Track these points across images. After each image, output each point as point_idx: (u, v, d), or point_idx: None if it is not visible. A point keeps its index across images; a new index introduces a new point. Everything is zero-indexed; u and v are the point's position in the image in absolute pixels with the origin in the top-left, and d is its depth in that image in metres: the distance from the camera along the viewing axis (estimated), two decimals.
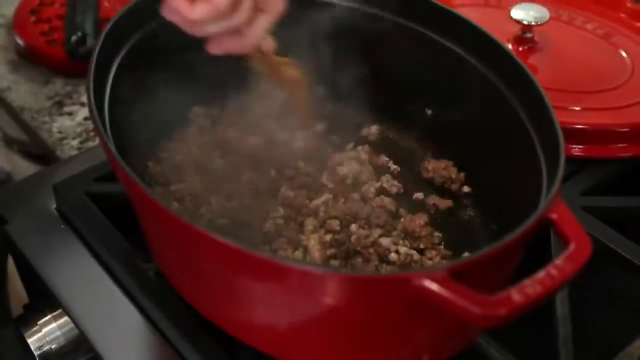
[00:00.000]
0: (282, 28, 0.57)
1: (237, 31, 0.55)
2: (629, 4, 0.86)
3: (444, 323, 0.45)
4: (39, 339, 0.57)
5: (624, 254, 0.61)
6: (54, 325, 0.57)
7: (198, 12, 0.51)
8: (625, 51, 0.80)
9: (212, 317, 0.50)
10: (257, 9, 0.55)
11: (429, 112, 0.68)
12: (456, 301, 0.39)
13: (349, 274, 0.45)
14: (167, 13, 0.53)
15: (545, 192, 0.49)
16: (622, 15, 0.86)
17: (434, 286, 0.39)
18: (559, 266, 0.41)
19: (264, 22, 0.55)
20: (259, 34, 0.56)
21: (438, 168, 0.66)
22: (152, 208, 0.46)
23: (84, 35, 0.88)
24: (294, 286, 0.43)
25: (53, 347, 0.57)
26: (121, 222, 0.60)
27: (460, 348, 0.50)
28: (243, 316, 0.49)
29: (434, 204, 0.64)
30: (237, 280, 0.45)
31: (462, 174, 0.66)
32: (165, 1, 0.52)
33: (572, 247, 0.43)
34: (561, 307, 0.56)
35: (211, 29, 0.53)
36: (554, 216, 0.45)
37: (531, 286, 0.40)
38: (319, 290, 0.43)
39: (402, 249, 0.58)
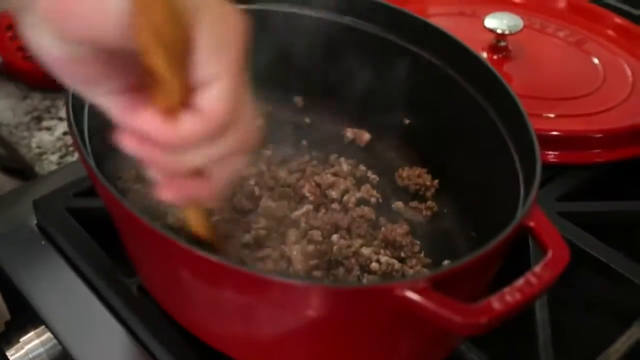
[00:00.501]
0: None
1: (199, 171, 0.41)
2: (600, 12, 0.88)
3: (426, 332, 0.45)
4: (22, 357, 0.56)
5: (600, 258, 0.62)
6: (36, 342, 0.57)
7: (189, 128, 0.36)
8: (597, 58, 0.82)
9: (196, 332, 0.51)
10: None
11: (407, 121, 0.69)
12: (438, 311, 0.39)
13: (331, 286, 0.45)
14: (128, 143, 0.38)
15: (522, 200, 0.50)
16: (594, 22, 0.87)
17: (415, 297, 0.40)
18: (538, 274, 0.42)
19: (237, 160, 0.42)
20: (227, 176, 0.42)
21: (412, 175, 0.67)
22: (133, 223, 0.46)
23: None
24: (277, 299, 0.43)
25: None
26: (103, 237, 0.60)
27: (442, 356, 0.51)
28: (227, 330, 0.49)
29: (413, 212, 0.65)
30: (220, 294, 0.45)
31: (436, 181, 0.66)
32: (122, 125, 0.38)
33: (550, 254, 0.44)
34: (540, 312, 0.57)
35: (193, 160, 0.39)
36: (532, 224, 0.46)
37: (510, 294, 0.41)
38: (302, 303, 0.43)
39: (383, 258, 0.58)
